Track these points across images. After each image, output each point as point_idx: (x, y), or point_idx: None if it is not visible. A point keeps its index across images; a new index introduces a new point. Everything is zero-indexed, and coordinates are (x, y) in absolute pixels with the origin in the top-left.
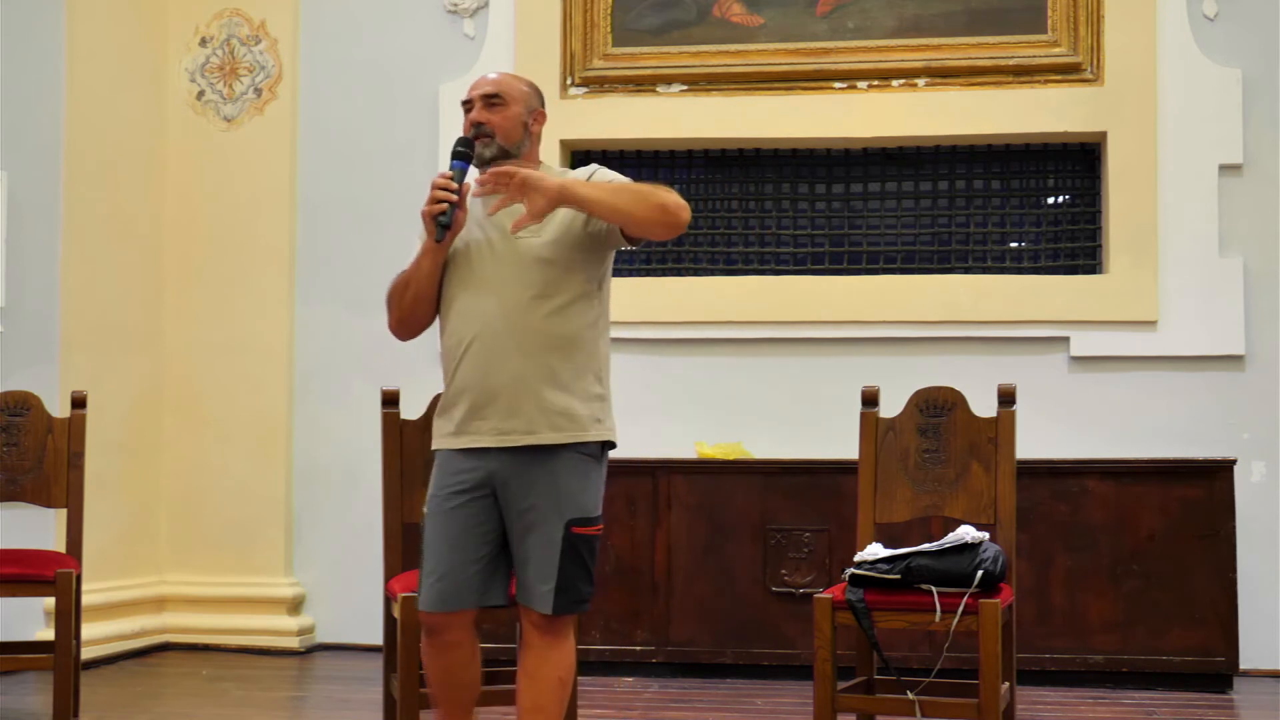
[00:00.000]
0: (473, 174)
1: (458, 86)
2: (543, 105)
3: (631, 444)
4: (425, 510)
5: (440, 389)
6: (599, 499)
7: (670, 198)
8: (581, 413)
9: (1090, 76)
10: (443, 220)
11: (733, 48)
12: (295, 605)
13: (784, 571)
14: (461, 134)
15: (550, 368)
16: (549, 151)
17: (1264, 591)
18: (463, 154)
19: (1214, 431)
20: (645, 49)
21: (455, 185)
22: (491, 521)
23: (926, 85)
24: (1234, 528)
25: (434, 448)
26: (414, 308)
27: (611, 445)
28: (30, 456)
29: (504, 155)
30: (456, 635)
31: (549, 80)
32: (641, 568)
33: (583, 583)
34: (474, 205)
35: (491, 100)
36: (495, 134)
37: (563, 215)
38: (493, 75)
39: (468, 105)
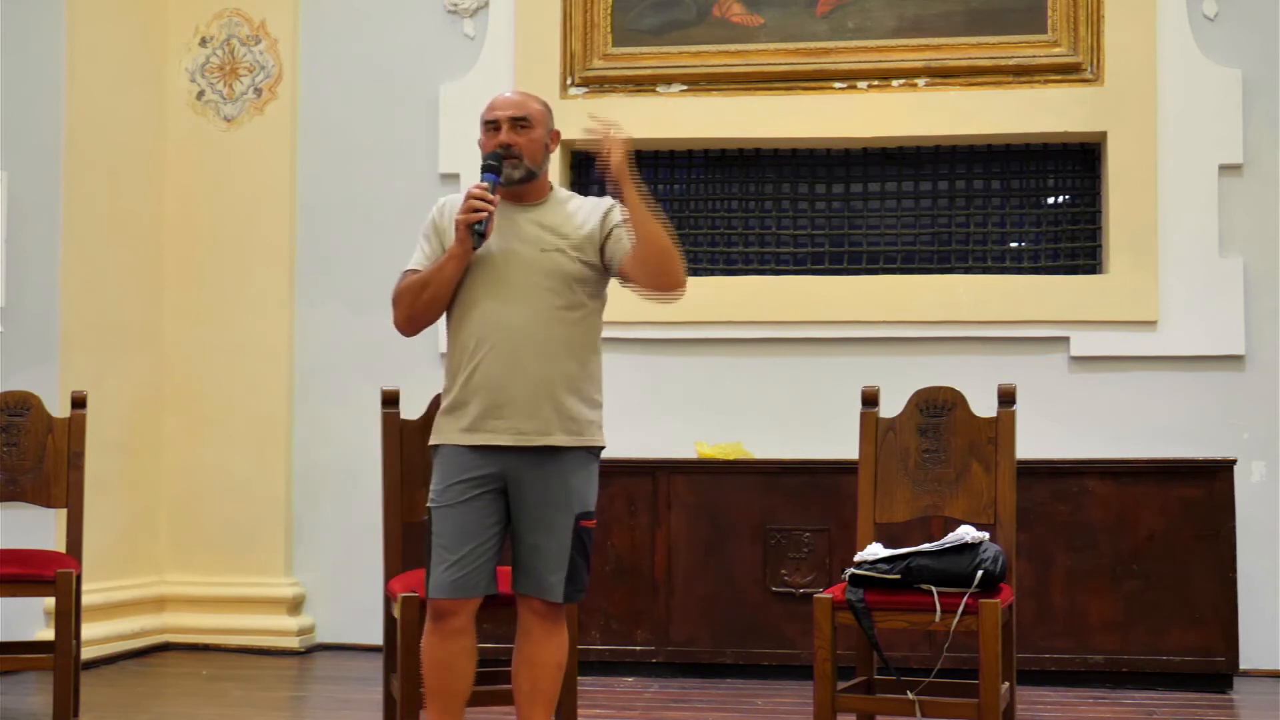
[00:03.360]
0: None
1: (458, 86)
2: (554, 124)
3: (631, 444)
4: (432, 502)
5: (439, 388)
6: (595, 496)
7: (681, 270)
8: (589, 418)
9: (1090, 76)
10: (478, 229)
11: (733, 48)
12: (295, 605)
13: (784, 571)
14: (482, 149)
15: (566, 375)
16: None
17: (1264, 591)
18: (494, 168)
19: (1214, 431)
20: (645, 49)
21: (491, 196)
22: (498, 515)
23: (926, 85)
24: (1234, 528)
25: (438, 442)
26: (429, 307)
27: (603, 448)
28: (30, 456)
29: (530, 176)
30: (462, 622)
31: (549, 80)
32: (641, 568)
33: (584, 573)
34: (498, 216)
35: (519, 123)
36: (523, 156)
37: (588, 234)
38: (514, 96)
39: (493, 125)
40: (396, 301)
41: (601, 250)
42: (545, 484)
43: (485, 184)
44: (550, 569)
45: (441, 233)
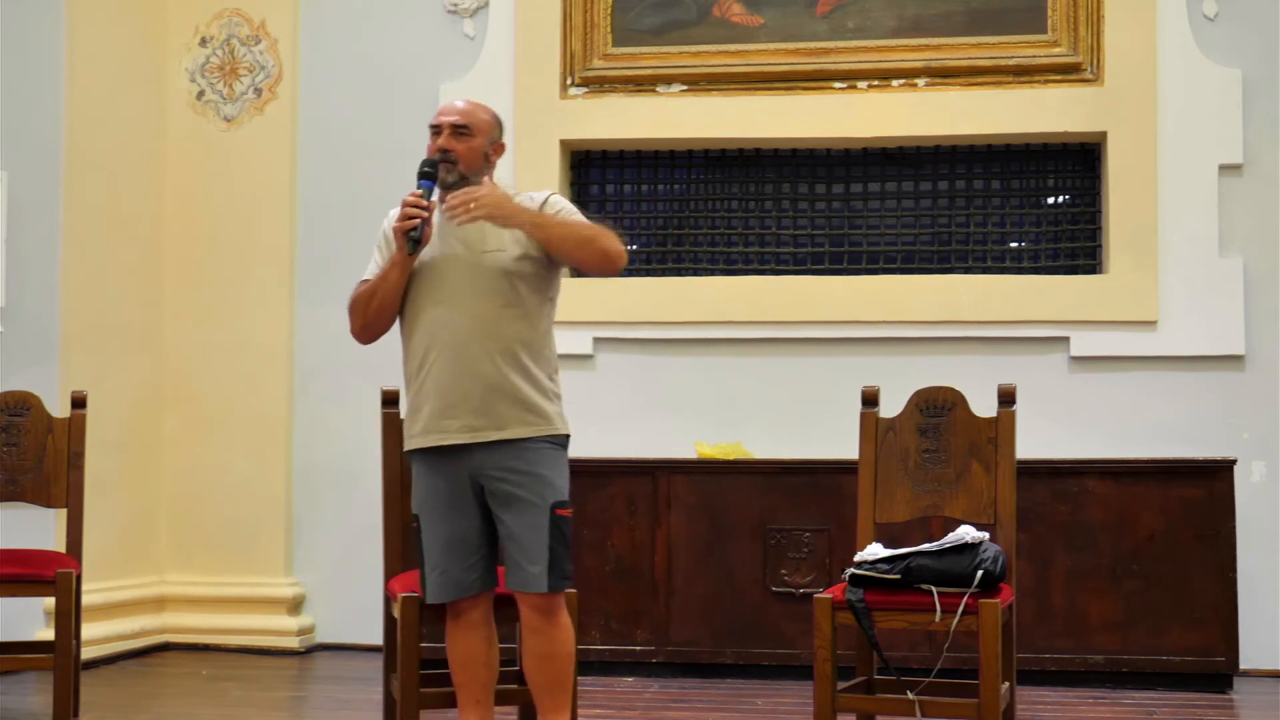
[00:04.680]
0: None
1: (458, 87)
2: (502, 136)
3: (631, 444)
4: (416, 511)
5: None
6: (568, 485)
7: (612, 246)
8: (547, 408)
9: (1090, 76)
10: (414, 235)
11: (733, 48)
12: (295, 605)
13: (784, 571)
14: (426, 156)
15: (517, 370)
16: (550, 151)
17: (1264, 591)
18: (429, 174)
19: (1214, 431)
20: (645, 49)
21: (425, 203)
22: (478, 515)
23: (926, 85)
24: (1234, 528)
25: (405, 449)
26: (379, 315)
27: (569, 437)
28: (30, 456)
29: (464, 181)
30: (478, 615)
31: (549, 80)
32: (641, 568)
33: (566, 561)
34: (440, 221)
35: (459, 130)
36: (459, 162)
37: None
38: (461, 104)
39: (436, 129)
40: (351, 311)
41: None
42: (516, 479)
43: (420, 190)
44: (532, 561)
45: (390, 242)
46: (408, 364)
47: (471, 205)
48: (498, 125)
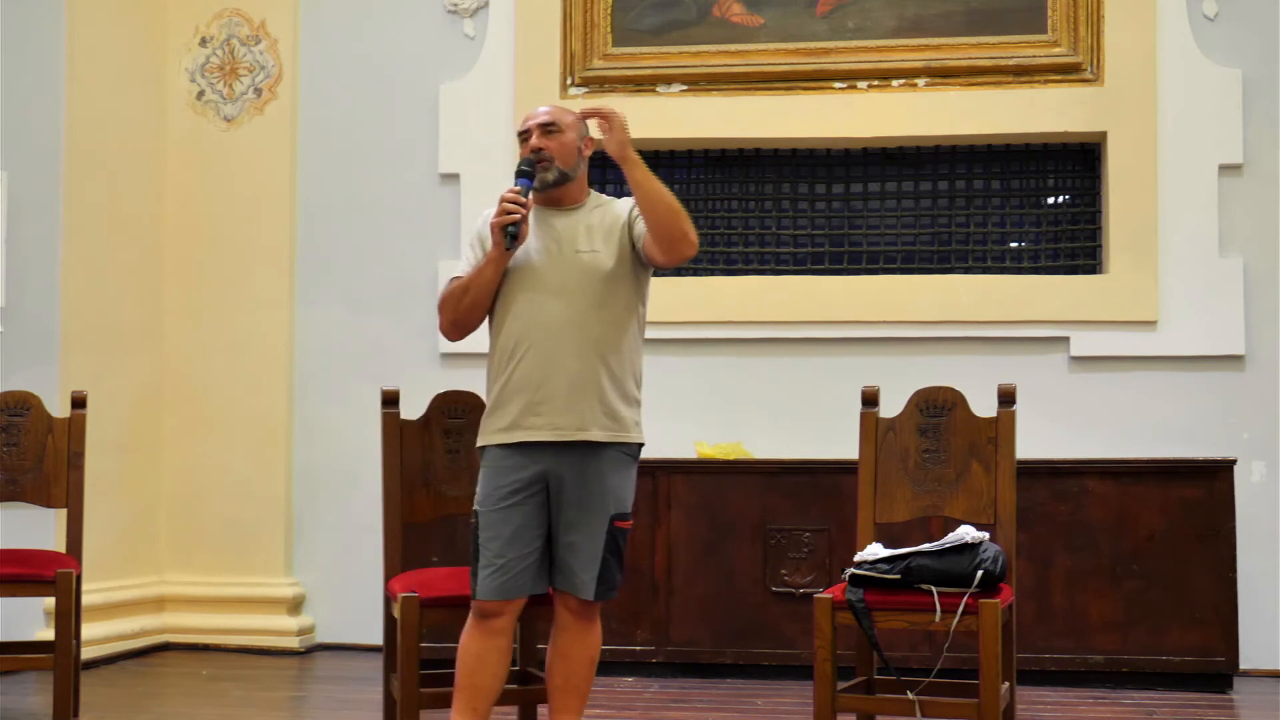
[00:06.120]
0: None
1: (458, 86)
2: (589, 132)
3: None
4: (478, 507)
5: (439, 388)
6: (633, 495)
7: (693, 229)
8: (626, 415)
9: (1090, 76)
10: (511, 230)
11: (733, 48)
12: (295, 605)
13: (784, 571)
14: (521, 157)
15: (604, 371)
16: None
17: (1264, 591)
18: (527, 173)
19: (1214, 431)
20: (645, 49)
21: (523, 199)
22: (541, 517)
23: (926, 85)
24: (1234, 528)
25: (484, 444)
26: (470, 312)
27: (642, 445)
28: (30, 456)
29: (563, 179)
30: (505, 622)
31: (549, 80)
32: (641, 568)
33: (617, 572)
34: (535, 221)
35: (548, 128)
36: (554, 159)
37: (619, 235)
38: (544, 108)
39: (525, 135)
40: (441, 308)
41: (631, 240)
42: (584, 484)
43: (518, 188)
44: (583, 567)
45: (484, 240)
46: (494, 360)
47: (616, 119)
48: (583, 122)
